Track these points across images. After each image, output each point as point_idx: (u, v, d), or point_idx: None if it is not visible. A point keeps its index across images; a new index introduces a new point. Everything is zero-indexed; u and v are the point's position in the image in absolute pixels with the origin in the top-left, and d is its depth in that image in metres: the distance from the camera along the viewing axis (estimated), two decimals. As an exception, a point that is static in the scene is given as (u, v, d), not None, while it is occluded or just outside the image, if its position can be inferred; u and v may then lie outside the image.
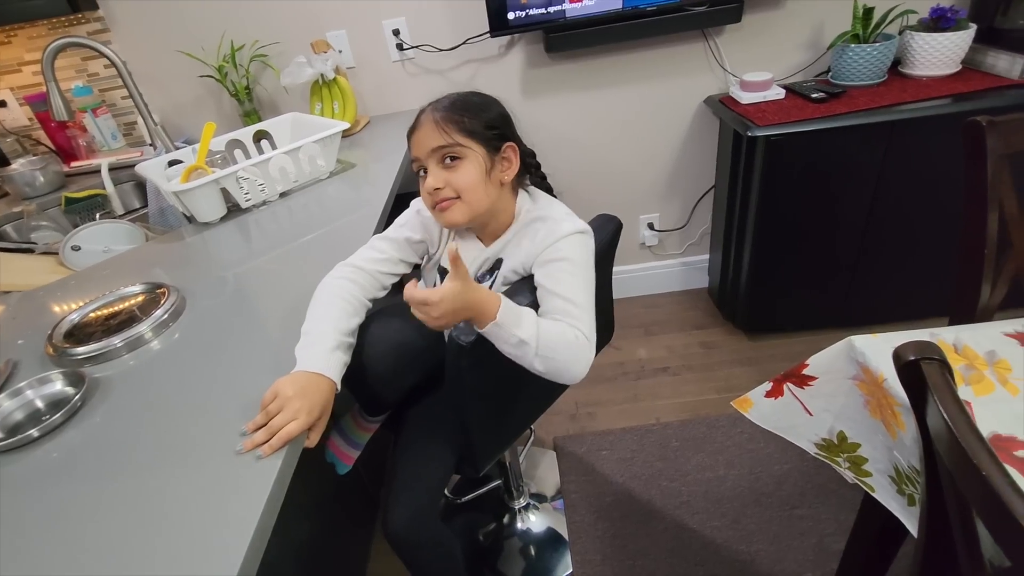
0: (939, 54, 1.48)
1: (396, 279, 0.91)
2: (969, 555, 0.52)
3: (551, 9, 1.50)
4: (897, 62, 1.58)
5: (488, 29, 1.52)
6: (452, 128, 0.79)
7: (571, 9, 1.50)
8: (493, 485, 1.42)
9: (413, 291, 0.69)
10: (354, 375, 0.81)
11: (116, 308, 0.88)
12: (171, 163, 1.28)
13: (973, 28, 1.46)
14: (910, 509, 0.73)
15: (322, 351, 0.71)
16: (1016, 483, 0.39)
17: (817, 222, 1.58)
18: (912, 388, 0.51)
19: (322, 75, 1.52)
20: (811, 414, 0.85)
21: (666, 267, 2.08)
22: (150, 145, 1.57)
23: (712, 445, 1.52)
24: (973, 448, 0.42)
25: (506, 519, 1.39)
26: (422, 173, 0.83)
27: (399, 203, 1.27)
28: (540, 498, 1.43)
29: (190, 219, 1.22)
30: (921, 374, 0.49)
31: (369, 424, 0.99)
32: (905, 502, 0.74)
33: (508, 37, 1.64)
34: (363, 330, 0.83)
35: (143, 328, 0.83)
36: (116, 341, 0.80)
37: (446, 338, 0.80)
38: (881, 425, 0.74)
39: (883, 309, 1.74)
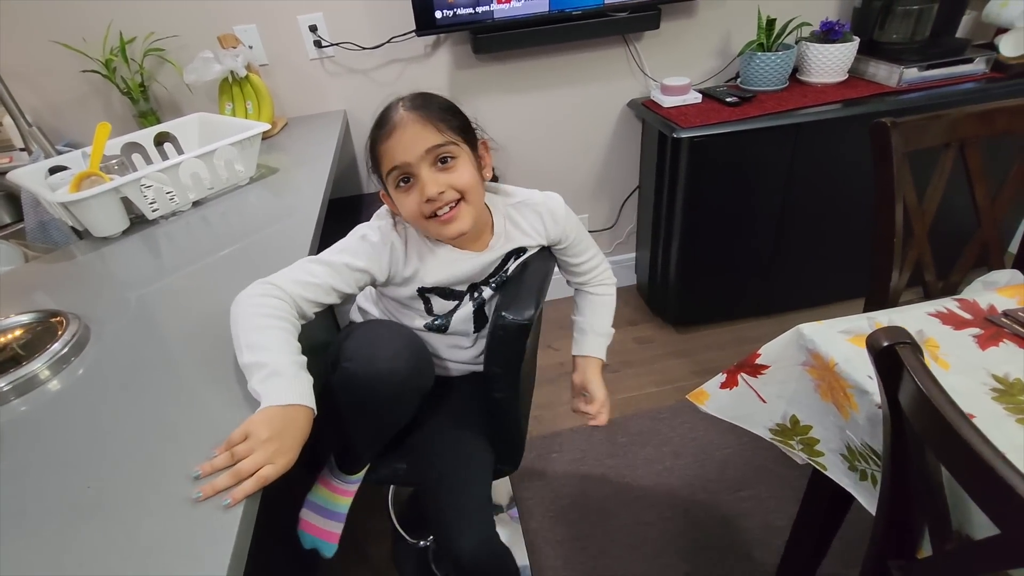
0: (830, 63, 1.63)
1: (319, 310, 0.77)
2: (937, 527, 0.55)
3: (479, 9, 1.47)
4: (795, 70, 1.72)
5: (414, 28, 1.47)
6: (444, 126, 0.72)
7: (499, 10, 1.49)
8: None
9: (591, 409, 0.97)
10: (341, 411, 0.73)
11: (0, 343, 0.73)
12: (53, 170, 1.10)
13: (856, 40, 1.62)
14: (862, 484, 0.77)
15: (287, 378, 0.61)
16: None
17: (738, 217, 1.68)
18: (886, 371, 0.54)
19: (232, 72, 1.38)
20: (765, 401, 0.89)
21: (596, 267, 2.13)
22: (22, 150, 1.35)
23: (658, 437, 1.56)
24: (957, 422, 0.44)
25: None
26: (402, 183, 0.73)
27: (334, 208, 1.19)
28: (496, 509, 1.39)
29: (81, 234, 1.05)
30: (897, 358, 0.51)
31: (349, 486, 0.88)
32: (857, 477, 0.78)
33: (434, 37, 1.59)
34: (357, 339, 0.74)
35: (36, 365, 0.69)
36: (1, 384, 0.67)
37: (490, 324, 0.80)
38: (832, 407, 0.79)
39: (799, 296, 1.89)
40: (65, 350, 0.72)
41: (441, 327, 0.89)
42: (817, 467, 0.85)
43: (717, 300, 1.88)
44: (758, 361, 0.87)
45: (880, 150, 1.01)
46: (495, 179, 0.92)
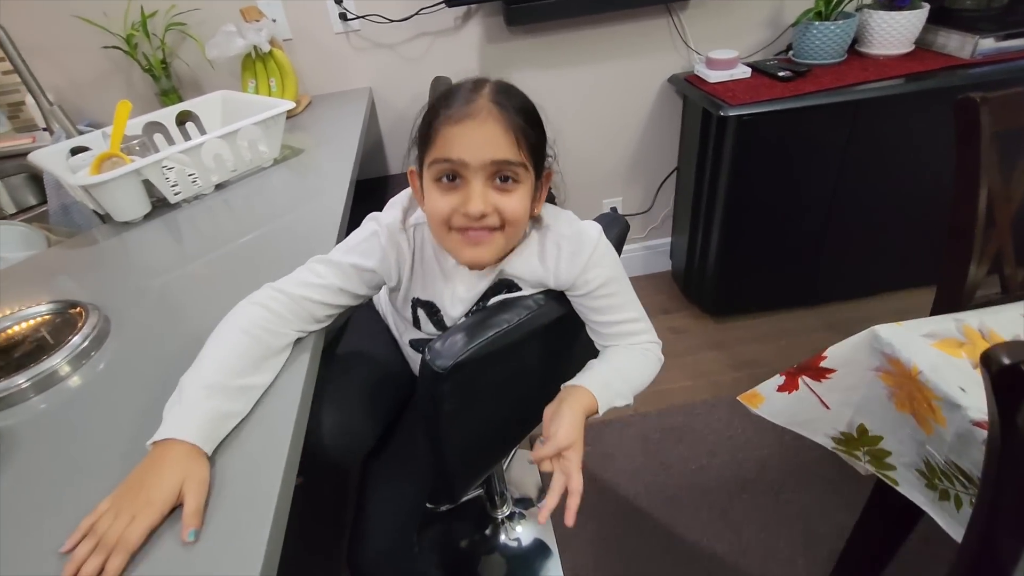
0: (895, 33, 1.50)
1: (335, 312, 0.71)
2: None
3: (513, -22, 1.38)
4: (854, 41, 1.59)
5: (444, -2, 1.39)
6: (523, 140, 0.60)
7: (534, -22, 1.39)
8: (474, 495, 1.32)
9: (540, 454, 0.64)
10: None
11: (17, 335, 0.70)
12: (75, 151, 1.06)
13: (926, 7, 1.48)
14: (942, 504, 0.70)
15: (188, 404, 0.52)
16: None
17: (784, 201, 1.57)
18: (1005, 391, 0.46)
19: (256, 47, 1.32)
20: (828, 408, 0.81)
21: (629, 252, 2.04)
22: (44, 130, 1.32)
23: (692, 434, 1.49)
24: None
25: (488, 531, 1.30)
26: (445, 179, 0.61)
27: (359, 191, 1.13)
28: (525, 503, 1.35)
29: (104, 218, 1.02)
30: (1021, 377, 0.43)
31: None
32: (935, 496, 0.71)
33: (465, 8, 1.50)
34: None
35: (56, 360, 0.66)
36: (20, 380, 0.63)
37: (421, 363, 0.64)
38: (910, 419, 0.71)
39: (846, 285, 1.79)
40: (85, 344, 0.68)
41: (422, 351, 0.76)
42: (886, 481, 0.78)
43: (757, 288, 1.78)
44: (823, 364, 0.80)
45: (966, 129, 0.91)
46: (554, 199, 0.83)
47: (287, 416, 0.56)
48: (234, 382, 0.55)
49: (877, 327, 0.74)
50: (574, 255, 0.69)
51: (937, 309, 1.11)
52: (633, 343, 0.77)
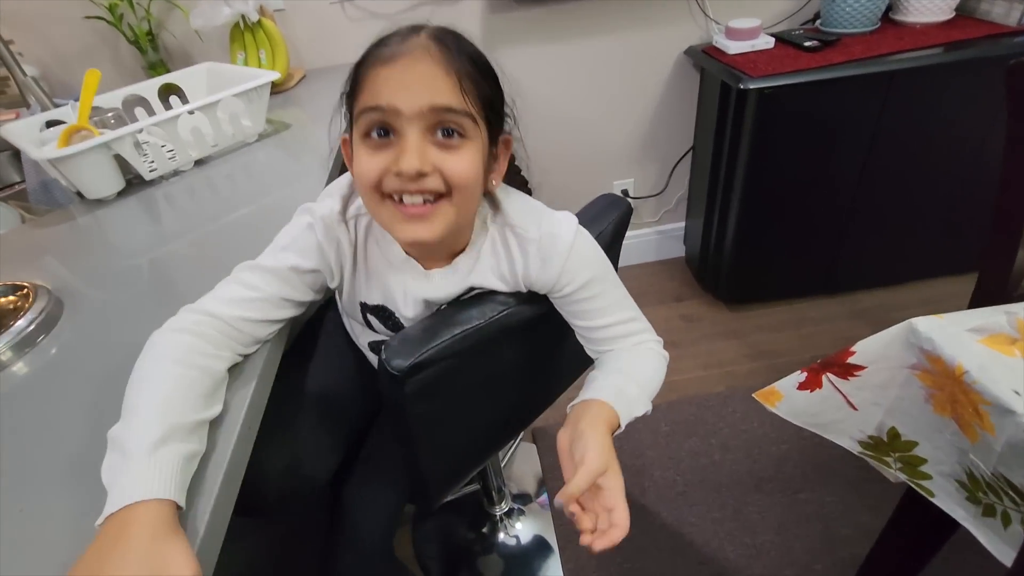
0: (934, -1, 1.37)
1: (278, 327, 0.60)
2: None
3: (517, -61, 1.28)
4: (888, 8, 1.46)
5: (444, -37, 1.29)
6: (470, 86, 0.50)
7: (540, -60, 1.29)
8: (470, 491, 1.26)
9: (572, 489, 0.49)
10: None
11: (-41, 320, 0.64)
12: (50, 124, 1.01)
13: (969, -30, 1.36)
14: (985, 520, 0.62)
15: (138, 456, 0.40)
16: None
17: (808, 182, 1.47)
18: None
19: (244, 17, 1.25)
20: (855, 408, 0.73)
21: (641, 236, 1.95)
22: (27, 106, 1.26)
23: (704, 427, 1.41)
24: None
25: (486, 528, 1.24)
26: (375, 135, 0.50)
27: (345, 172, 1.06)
28: (524, 499, 1.29)
29: (80, 195, 0.96)
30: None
31: None
32: (978, 511, 0.63)
33: (467, -26, 1.41)
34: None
35: (-1, 346, 0.60)
36: (-43, 368, 0.58)
37: (379, 364, 0.57)
38: (951, 423, 0.62)
39: (873, 272, 1.68)
40: (31, 328, 0.63)
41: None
42: (919, 491, 0.70)
43: (776, 275, 1.68)
44: (851, 360, 0.71)
45: (1018, 99, 0.80)
46: (520, 177, 0.73)
47: (218, 461, 0.46)
48: (187, 419, 0.44)
49: (915, 320, 0.65)
50: (545, 262, 0.59)
51: (978, 299, 1.01)
52: (631, 344, 0.67)
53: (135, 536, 0.36)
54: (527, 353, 0.73)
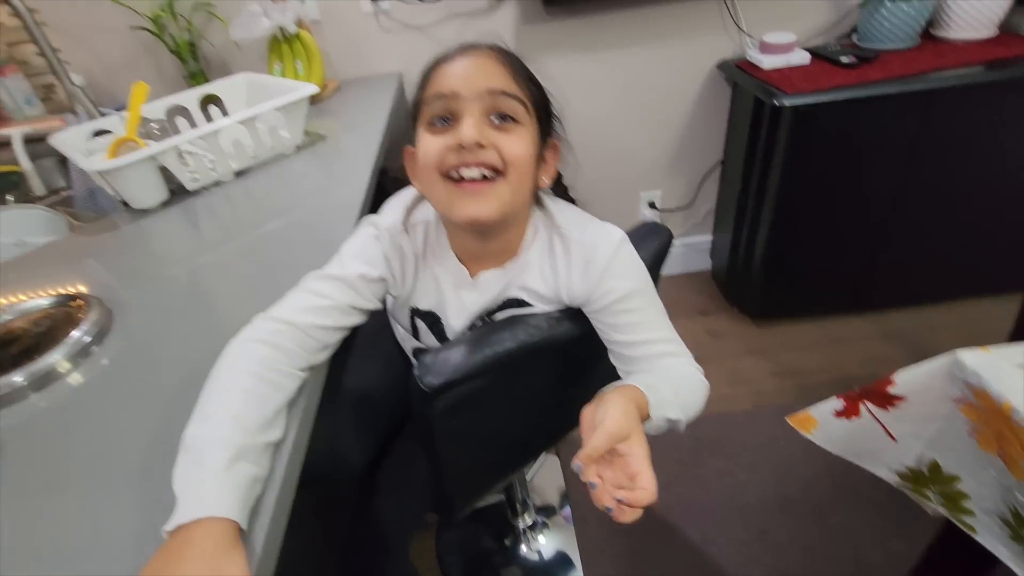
0: (977, 15, 1.34)
1: (344, 335, 0.61)
2: None
3: (553, -46, 1.29)
4: (928, 24, 1.43)
5: (479, -23, 1.31)
6: (522, 80, 0.56)
7: (575, -46, 1.30)
8: (494, 500, 1.27)
9: (589, 450, 0.47)
10: None
11: (16, 330, 0.67)
12: (98, 133, 1.04)
13: (1014, -14, 1.32)
14: (1032, 561, 0.60)
15: (211, 473, 0.41)
16: None
17: (841, 199, 1.45)
18: None
19: (282, 28, 1.28)
20: (895, 439, 0.72)
21: (666, 248, 1.93)
22: (73, 112, 1.30)
23: (730, 446, 1.40)
24: None
25: (509, 540, 1.24)
26: (438, 122, 0.55)
27: (383, 182, 1.07)
28: (548, 511, 1.29)
29: (126, 204, 0.99)
30: None
31: None
32: (1023, 551, 0.61)
33: (500, -12, 1.42)
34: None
35: (55, 357, 0.62)
36: (18, 377, 0.60)
37: (411, 378, 0.58)
38: (997, 460, 0.61)
39: (905, 292, 1.65)
40: (86, 339, 0.65)
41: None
42: (960, 527, 0.68)
43: (806, 292, 1.66)
44: (891, 390, 0.70)
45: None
46: (572, 200, 0.74)
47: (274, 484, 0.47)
48: (257, 440, 0.46)
49: (960, 351, 0.64)
50: (588, 263, 0.61)
51: (1021, 326, 0.99)
52: (667, 365, 0.64)
53: (199, 547, 0.38)
54: (556, 378, 0.73)
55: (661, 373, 0.63)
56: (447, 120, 0.55)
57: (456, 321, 0.68)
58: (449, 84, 0.54)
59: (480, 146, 0.53)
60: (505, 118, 0.56)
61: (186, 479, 0.42)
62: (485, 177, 0.55)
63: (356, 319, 0.62)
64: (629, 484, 0.47)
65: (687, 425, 0.61)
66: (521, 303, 0.66)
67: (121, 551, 0.42)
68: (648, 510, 0.49)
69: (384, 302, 0.70)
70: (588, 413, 0.53)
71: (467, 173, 0.55)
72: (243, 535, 0.41)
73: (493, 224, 0.58)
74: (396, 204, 0.66)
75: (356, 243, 0.64)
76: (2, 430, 0.56)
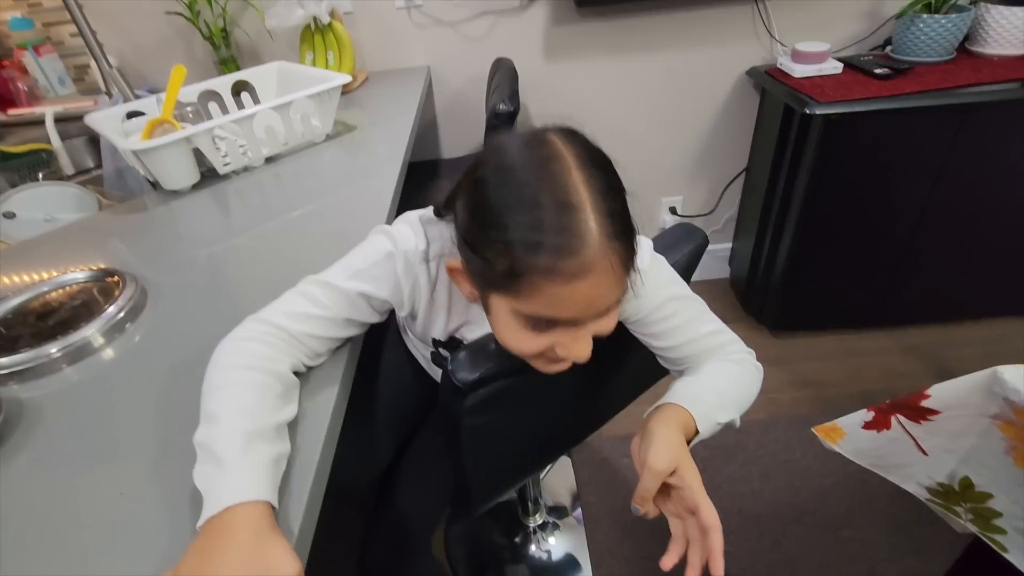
0: (1016, 30, 1.33)
1: (337, 345, 0.59)
2: None
3: (588, -47, 1.29)
4: (965, 38, 1.42)
5: (513, -26, 1.31)
6: (631, 264, 0.47)
7: (610, -45, 1.29)
8: (506, 498, 1.26)
9: (641, 492, 0.48)
10: None
11: (53, 302, 0.67)
12: (130, 115, 1.05)
13: (1055, 2, 1.31)
14: (1067, 583, 0.59)
15: (230, 459, 0.41)
16: None
17: (868, 211, 1.43)
18: None
19: (315, 19, 1.28)
20: (926, 454, 0.71)
21: (685, 254, 1.92)
22: (105, 93, 1.32)
23: (744, 454, 1.39)
24: None
25: (519, 539, 1.24)
26: (541, 324, 0.48)
27: (410, 173, 1.07)
28: (559, 512, 1.28)
29: (155, 184, 1.00)
30: None
31: None
32: (1058, 573, 0.60)
33: (533, -14, 1.42)
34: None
35: (90, 331, 0.62)
36: (53, 349, 0.60)
37: (443, 373, 0.56)
38: (1035, 479, 0.60)
39: (928, 308, 1.63)
40: (121, 315, 0.65)
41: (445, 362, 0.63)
42: (991, 544, 0.67)
43: (826, 303, 1.64)
44: (925, 404, 0.69)
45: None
46: None
47: (310, 457, 0.47)
48: (267, 421, 0.45)
49: (1000, 368, 0.63)
50: None
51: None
52: (718, 357, 0.63)
53: (238, 537, 0.37)
54: (585, 378, 0.72)
55: (707, 373, 0.61)
56: (554, 324, 0.48)
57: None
58: (567, 312, 0.46)
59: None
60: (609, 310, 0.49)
61: (206, 474, 0.41)
62: None
63: (352, 331, 0.59)
64: (693, 524, 0.48)
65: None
66: None
67: (154, 530, 0.42)
68: (658, 516, 0.51)
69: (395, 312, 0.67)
70: (636, 445, 0.53)
71: (562, 366, 0.51)
72: (276, 514, 0.40)
73: None
74: (416, 226, 0.59)
75: (366, 256, 0.58)
76: (40, 398, 0.56)
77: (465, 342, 0.67)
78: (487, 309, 0.52)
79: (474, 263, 0.48)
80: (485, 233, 0.45)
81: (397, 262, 0.57)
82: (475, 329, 0.66)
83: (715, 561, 0.46)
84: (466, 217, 0.48)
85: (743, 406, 0.61)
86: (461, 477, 0.70)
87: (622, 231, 0.44)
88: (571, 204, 0.42)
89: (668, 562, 0.48)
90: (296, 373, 0.53)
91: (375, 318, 0.60)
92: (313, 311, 0.55)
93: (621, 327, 0.64)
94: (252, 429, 0.43)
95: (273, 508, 0.40)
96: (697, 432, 0.55)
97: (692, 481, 0.48)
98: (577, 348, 0.48)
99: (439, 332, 0.66)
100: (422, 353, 0.81)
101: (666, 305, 0.60)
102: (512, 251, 0.43)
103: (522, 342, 0.49)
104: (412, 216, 0.61)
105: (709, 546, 0.46)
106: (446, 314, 0.64)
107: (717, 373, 0.62)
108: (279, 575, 0.36)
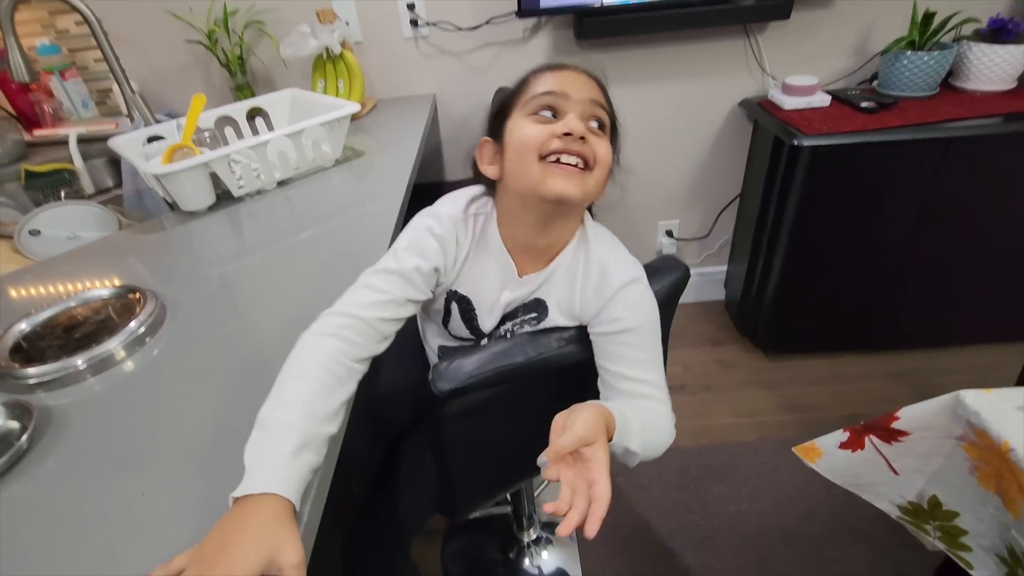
0: (996, 68, 1.39)
1: (400, 326, 0.67)
2: None
3: (588, -9, 1.36)
4: (948, 74, 1.48)
5: (515, 9, 1.38)
6: (608, 100, 0.67)
7: (609, -7, 1.36)
8: (501, 511, 1.29)
9: (557, 447, 0.50)
10: None
11: (79, 316, 0.72)
12: (151, 139, 1.11)
13: (1033, 42, 1.37)
14: (1026, 599, 0.62)
15: (280, 455, 0.47)
16: None
17: (855, 240, 1.48)
18: None
19: (327, 48, 1.35)
20: (897, 473, 0.74)
21: (681, 276, 1.97)
22: (127, 116, 1.38)
23: (734, 475, 1.42)
24: None
25: (513, 553, 1.27)
26: (542, 113, 0.63)
27: (416, 195, 1.13)
28: (553, 527, 1.31)
29: (172, 205, 1.05)
30: None
31: None
32: (1018, 589, 0.63)
33: (535, 20, 1.49)
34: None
35: (113, 344, 0.67)
36: (78, 361, 0.65)
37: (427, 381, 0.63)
38: (995, 498, 0.64)
39: (914, 334, 1.67)
40: (141, 330, 0.70)
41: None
42: (958, 562, 0.71)
43: (817, 328, 1.68)
44: (895, 425, 0.73)
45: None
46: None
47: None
48: (321, 431, 0.51)
49: (963, 392, 0.67)
50: (601, 283, 0.67)
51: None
52: (646, 407, 0.66)
53: (262, 517, 0.43)
54: (563, 393, 0.77)
55: (637, 410, 0.64)
56: (552, 115, 0.63)
57: (487, 310, 0.73)
58: (560, 86, 0.63)
59: (581, 139, 0.61)
60: (598, 125, 0.65)
61: (257, 455, 0.47)
62: (577, 166, 0.62)
63: (411, 310, 0.67)
64: (585, 491, 0.49)
65: (640, 463, 0.63)
66: (542, 304, 0.71)
67: (174, 530, 0.46)
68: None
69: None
70: (560, 418, 0.56)
71: (566, 159, 0.62)
72: (296, 516, 0.45)
73: (574, 205, 0.64)
74: (457, 196, 0.72)
75: (410, 236, 0.69)
76: (66, 405, 0.61)
77: (476, 309, 0.74)
78: (505, 144, 0.66)
79: (495, 122, 0.68)
80: (503, 99, 0.68)
81: (443, 228, 0.68)
82: (488, 305, 0.73)
83: (591, 524, 0.48)
84: (491, 113, 0.70)
85: (649, 454, 0.63)
86: (445, 479, 0.75)
87: (598, 79, 0.67)
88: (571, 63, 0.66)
89: (568, 524, 0.48)
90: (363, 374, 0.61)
91: (427, 294, 0.69)
92: (378, 298, 0.64)
93: (591, 350, 0.69)
94: (308, 433, 0.49)
95: (295, 508, 0.46)
96: (610, 440, 0.57)
97: (601, 457, 0.51)
98: (572, 123, 0.61)
99: (461, 285, 0.73)
100: (432, 345, 0.86)
101: (632, 333, 0.66)
102: (522, 80, 0.67)
103: (535, 131, 0.62)
104: (462, 190, 0.73)
105: (591, 511, 0.48)
106: (477, 269, 0.72)
107: (652, 415, 0.65)
108: (285, 557, 0.41)
